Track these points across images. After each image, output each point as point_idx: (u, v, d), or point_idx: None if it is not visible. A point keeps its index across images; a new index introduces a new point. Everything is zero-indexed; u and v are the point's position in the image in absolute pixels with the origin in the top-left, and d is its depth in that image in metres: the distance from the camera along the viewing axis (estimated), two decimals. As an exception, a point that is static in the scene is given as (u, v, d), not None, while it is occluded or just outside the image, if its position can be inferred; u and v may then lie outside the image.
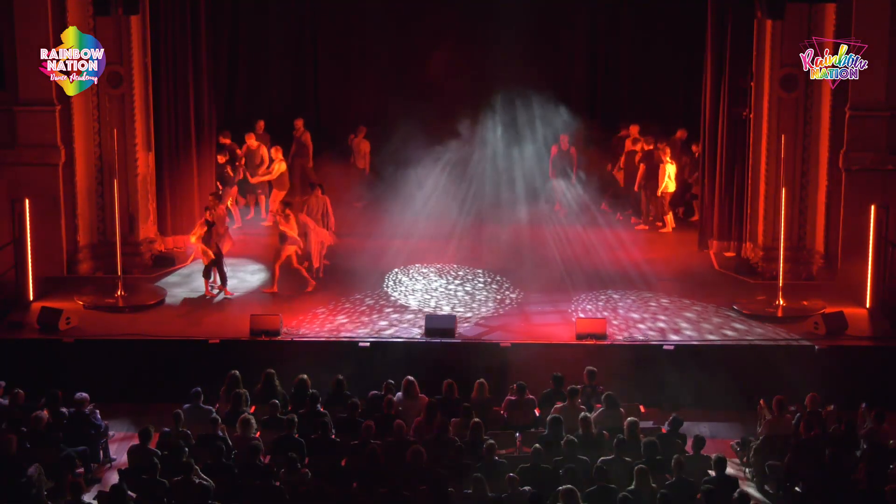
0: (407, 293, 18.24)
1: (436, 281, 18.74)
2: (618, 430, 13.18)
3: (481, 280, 18.81)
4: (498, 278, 18.85)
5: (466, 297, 18.04)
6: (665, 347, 16.09)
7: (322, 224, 18.81)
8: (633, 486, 11.85)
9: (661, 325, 16.92)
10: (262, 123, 21.91)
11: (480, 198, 21.37)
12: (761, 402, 14.36)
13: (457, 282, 18.76)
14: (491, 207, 21.25)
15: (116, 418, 15.36)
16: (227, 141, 21.14)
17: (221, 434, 13.20)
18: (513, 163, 21.74)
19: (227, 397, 14.29)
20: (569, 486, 11.41)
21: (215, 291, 18.05)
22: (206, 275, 18.10)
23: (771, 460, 13.30)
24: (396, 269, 19.14)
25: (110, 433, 14.71)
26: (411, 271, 19.19)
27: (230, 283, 18.22)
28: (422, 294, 18.16)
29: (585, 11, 22.93)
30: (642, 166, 21.11)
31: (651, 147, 21.06)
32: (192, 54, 19.54)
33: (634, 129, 21.54)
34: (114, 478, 13.23)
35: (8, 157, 18.31)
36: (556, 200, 21.69)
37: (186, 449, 12.66)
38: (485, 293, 18.24)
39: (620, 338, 16.31)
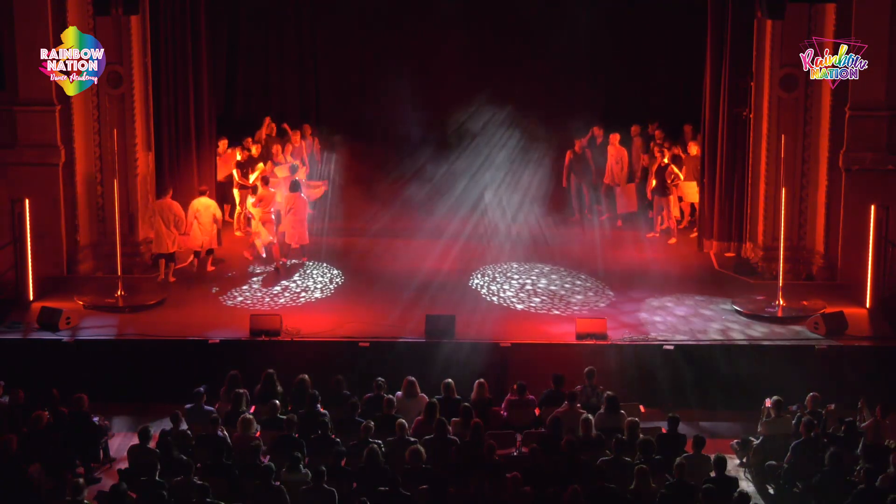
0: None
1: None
2: (618, 432, 13.19)
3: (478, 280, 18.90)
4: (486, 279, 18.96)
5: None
6: (665, 347, 16.08)
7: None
8: (633, 486, 11.86)
9: (661, 324, 16.92)
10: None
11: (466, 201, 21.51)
12: (767, 401, 14.25)
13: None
14: (481, 211, 21.35)
15: (116, 418, 15.37)
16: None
17: (221, 434, 13.20)
18: (506, 168, 21.85)
19: (227, 397, 14.29)
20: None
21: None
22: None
23: (771, 460, 13.30)
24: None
25: (110, 433, 14.72)
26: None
27: None
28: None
29: (584, 11, 22.93)
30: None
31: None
32: (192, 54, 19.54)
33: (614, 137, 21.48)
34: (114, 478, 13.23)
35: (8, 157, 18.32)
36: (583, 206, 21.76)
37: (185, 449, 12.69)
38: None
39: (620, 338, 16.31)
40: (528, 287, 18.49)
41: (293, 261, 19.33)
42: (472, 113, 22.44)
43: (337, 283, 18.67)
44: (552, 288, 18.48)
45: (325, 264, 19.38)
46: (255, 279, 18.87)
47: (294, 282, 18.67)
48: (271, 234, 19.32)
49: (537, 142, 22.03)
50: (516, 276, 19.01)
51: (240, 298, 17.99)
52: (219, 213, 19.36)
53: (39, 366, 15.96)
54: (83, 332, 16.67)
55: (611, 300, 17.97)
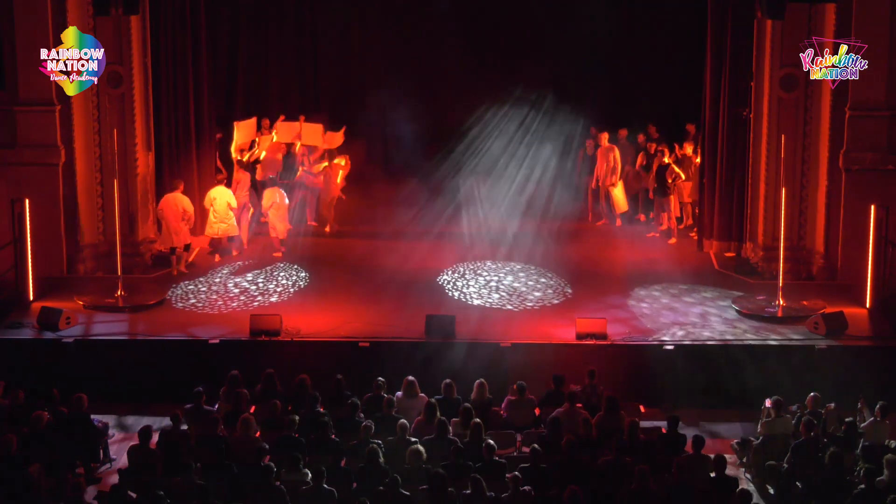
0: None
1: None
2: (618, 432, 13.18)
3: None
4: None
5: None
6: (665, 347, 16.08)
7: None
8: (633, 487, 11.86)
9: (661, 324, 16.91)
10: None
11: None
12: (767, 401, 14.23)
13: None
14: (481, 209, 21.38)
15: (117, 418, 15.37)
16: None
17: (221, 434, 13.19)
18: (503, 167, 21.85)
19: (227, 397, 14.29)
20: None
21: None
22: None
23: (771, 460, 13.30)
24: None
25: (110, 433, 14.72)
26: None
27: None
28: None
29: (584, 12, 22.93)
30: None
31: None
32: (192, 54, 19.55)
33: (603, 138, 21.40)
34: (114, 478, 13.23)
35: (8, 157, 18.32)
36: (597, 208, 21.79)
37: (185, 449, 12.69)
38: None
39: (620, 338, 16.31)
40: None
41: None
42: (473, 112, 22.43)
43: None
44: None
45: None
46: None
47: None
48: (240, 223, 19.91)
49: (538, 142, 22.02)
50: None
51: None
52: (234, 202, 19.55)
53: (39, 366, 15.97)
54: (83, 332, 16.67)
55: (608, 299, 17.97)
